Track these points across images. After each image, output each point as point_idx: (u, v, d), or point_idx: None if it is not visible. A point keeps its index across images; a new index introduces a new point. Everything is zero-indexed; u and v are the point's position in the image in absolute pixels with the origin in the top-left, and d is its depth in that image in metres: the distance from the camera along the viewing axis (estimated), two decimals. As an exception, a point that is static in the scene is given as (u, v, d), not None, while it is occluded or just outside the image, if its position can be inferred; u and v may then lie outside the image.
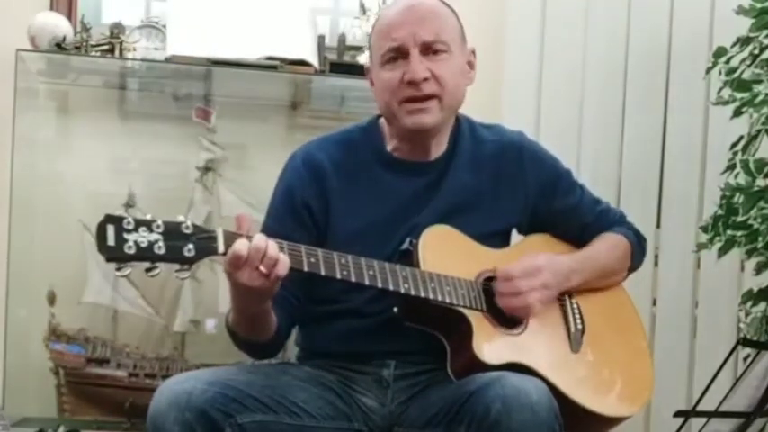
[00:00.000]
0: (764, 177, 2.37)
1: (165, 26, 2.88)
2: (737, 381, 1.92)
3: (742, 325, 2.56)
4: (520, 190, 1.98)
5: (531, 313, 1.85)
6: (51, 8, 2.98)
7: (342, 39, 2.99)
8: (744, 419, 1.91)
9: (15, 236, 2.87)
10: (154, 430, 1.67)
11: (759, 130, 2.41)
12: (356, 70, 2.78)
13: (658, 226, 2.91)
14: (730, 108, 2.46)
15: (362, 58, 2.87)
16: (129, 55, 2.88)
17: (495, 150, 1.99)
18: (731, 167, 2.45)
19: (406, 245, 1.84)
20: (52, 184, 2.99)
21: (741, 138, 2.48)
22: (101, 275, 2.91)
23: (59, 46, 2.82)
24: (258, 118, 3.12)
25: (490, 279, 1.88)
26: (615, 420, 1.92)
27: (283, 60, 2.84)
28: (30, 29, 2.82)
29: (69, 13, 2.98)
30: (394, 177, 1.94)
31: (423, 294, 1.77)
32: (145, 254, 1.53)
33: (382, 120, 1.98)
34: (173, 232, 1.56)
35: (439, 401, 1.75)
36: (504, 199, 1.97)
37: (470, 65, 1.97)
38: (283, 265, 1.62)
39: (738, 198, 2.38)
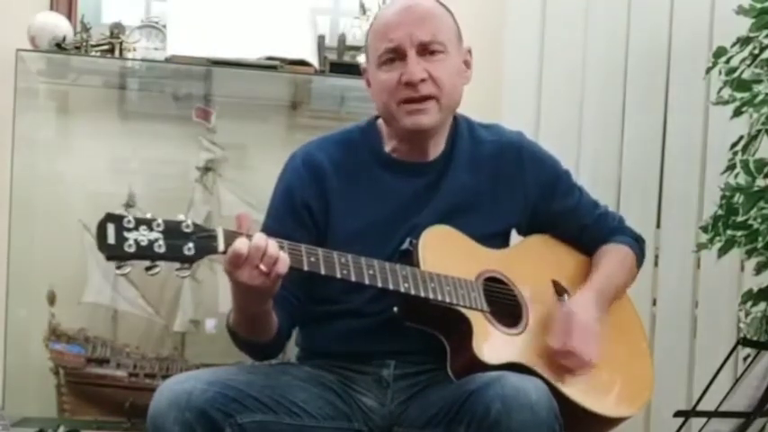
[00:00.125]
0: (764, 177, 2.37)
1: (165, 26, 2.89)
2: (737, 381, 1.92)
3: (742, 325, 2.56)
4: (519, 190, 1.98)
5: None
6: (51, 8, 2.98)
7: (342, 39, 2.99)
8: (744, 419, 1.91)
9: (15, 236, 2.87)
10: (154, 430, 1.67)
11: (759, 130, 2.41)
12: (356, 70, 2.77)
13: (658, 226, 2.91)
14: (730, 108, 2.46)
15: (362, 59, 2.87)
16: (129, 55, 2.88)
17: (494, 150, 1.98)
18: (731, 167, 2.45)
19: (406, 245, 1.83)
20: (52, 184, 2.99)
21: (741, 138, 2.48)
22: (101, 275, 2.91)
23: (59, 46, 2.82)
24: (258, 118, 3.12)
25: (490, 279, 1.88)
26: (615, 421, 1.92)
27: (283, 60, 2.84)
28: (30, 29, 2.82)
29: (69, 13, 2.98)
30: (393, 178, 1.93)
31: (423, 294, 1.76)
32: (145, 252, 1.53)
33: (380, 120, 1.97)
34: (173, 231, 1.56)
35: (439, 401, 1.75)
36: (503, 199, 1.96)
37: (467, 64, 1.96)
38: (283, 263, 1.62)
39: (738, 198, 2.38)
